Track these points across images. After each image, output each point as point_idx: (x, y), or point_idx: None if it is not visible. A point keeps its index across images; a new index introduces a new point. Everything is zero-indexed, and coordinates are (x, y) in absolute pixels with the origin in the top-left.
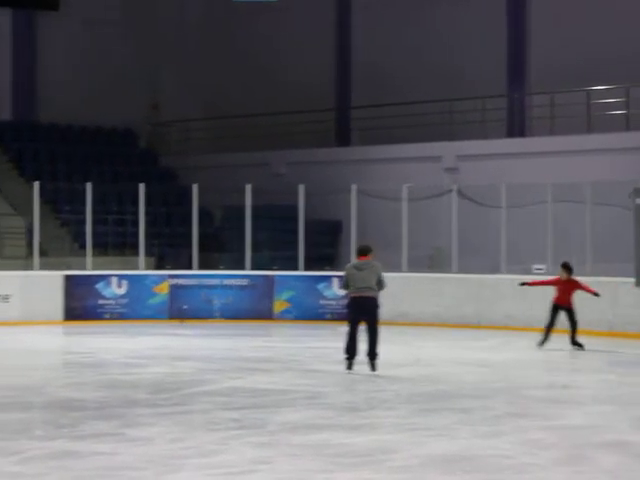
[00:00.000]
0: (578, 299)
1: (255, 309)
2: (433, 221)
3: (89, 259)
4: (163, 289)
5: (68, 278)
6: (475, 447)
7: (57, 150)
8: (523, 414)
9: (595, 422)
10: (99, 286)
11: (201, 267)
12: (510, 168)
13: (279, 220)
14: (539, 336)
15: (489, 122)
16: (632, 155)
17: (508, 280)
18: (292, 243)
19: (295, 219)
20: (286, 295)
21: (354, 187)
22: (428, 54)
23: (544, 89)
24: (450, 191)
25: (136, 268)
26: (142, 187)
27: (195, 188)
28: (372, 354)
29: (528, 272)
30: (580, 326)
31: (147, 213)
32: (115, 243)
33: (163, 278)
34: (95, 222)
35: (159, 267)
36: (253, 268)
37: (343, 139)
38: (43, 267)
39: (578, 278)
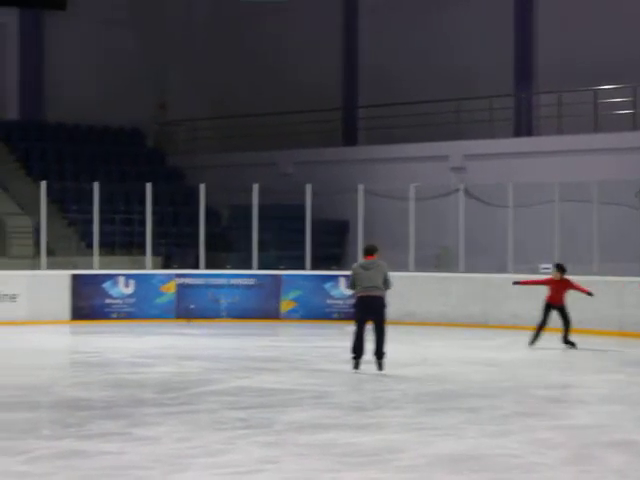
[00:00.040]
0: (584, 300)
1: (262, 308)
2: (440, 220)
3: (96, 258)
4: (170, 288)
5: (75, 277)
6: (483, 446)
7: (64, 150)
8: (531, 413)
9: (603, 422)
10: (106, 285)
11: (208, 267)
12: (517, 167)
13: (286, 220)
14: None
15: (496, 121)
16: (639, 154)
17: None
18: (299, 243)
19: (302, 219)
20: (293, 294)
21: (361, 187)
22: (435, 54)
23: (551, 88)
24: (457, 190)
25: (143, 267)
26: (149, 187)
27: (202, 188)
28: (379, 353)
29: (535, 271)
30: (588, 326)
31: (154, 213)
32: (122, 242)
33: (170, 277)
34: (102, 221)
35: (166, 266)
36: (260, 268)
37: (350, 139)
38: (50, 267)
39: (571, 277)
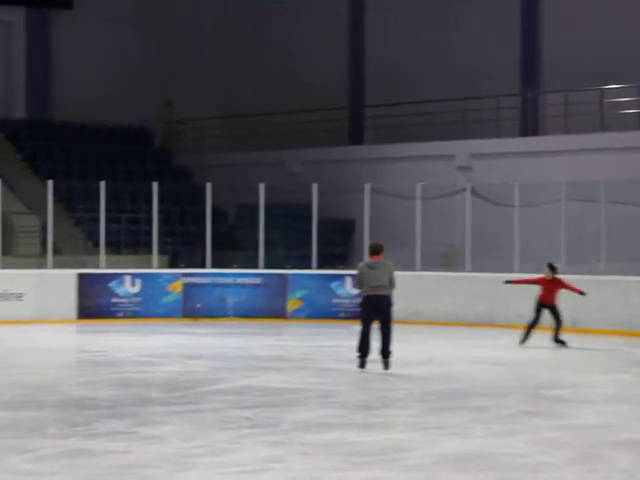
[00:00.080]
0: (591, 300)
1: (268, 308)
2: (447, 220)
3: (103, 257)
4: (176, 288)
5: (82, 276)
6: (489, 446)
7: (71, 149)
8: (537, 413)
9: (610, 421)
10: (113, 284)
11: (214, 266)
12: (524, 167)
13: (293, 219)
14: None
15: (503, 121)
16: None
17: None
18: (305, 242)
19: (309, 218)
20: (299, 294)
21: (367, 186)
22: (442, 53)
23: (558, 88)
24: (464, 190)
25: (149, 267)
26: (156, 186)
27: (209, 187)
28: (385, 352)
29: (541, 271)
30: (594, 326)
31: (161, 212)
32: (129, 242)
33: (176, 277)
34: (109, 221)
35: (172, 266)
36: (266, 267)
37: (357, 138)
38: (57, 265)
39: (562, 277)
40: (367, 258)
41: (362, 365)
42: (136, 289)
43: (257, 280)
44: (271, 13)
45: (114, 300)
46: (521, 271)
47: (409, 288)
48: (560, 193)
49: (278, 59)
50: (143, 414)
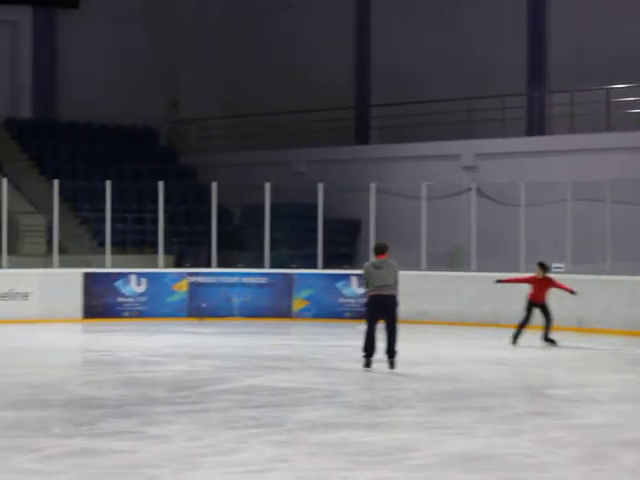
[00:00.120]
0: (596, 299)
1: (274, 307)
2: (452, 219)
3: (108, 257)
4: (182, 287)
5: (87, 276)
6: (495, 446)
7: (77, 148)
8: (543, 412)
9: (615, 421)
10: (118, 284)
11: (220, 265)
12: (529, 166)
13: (298, 218)
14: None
15: (509, 120)
16: None
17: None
18: (311, 241)
19: (314, 217)
20: (305, 293)
21: (373, 185)
22: (448, 53)
23: (564, 87)
24: (469, 189)
25: (155, 266)
26: (161, 185)
27: (214, 186)
28: (391, 352)
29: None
30: (600, 325)
31: (166, 211)
32: (134, 241)
33: (182, 276)
34: (114, 220)
35: (178, 265)
36: (272, 266)
37: (362, 137)
38: (63, 265)
39: (553, 276)
40: (372, 258)
41: (367, 365)
42: (142, 288)
43: (263, 280)
44: (275, 11)
45: (120, 299)
46: (527, 271)
47: (414, 288)
48: (566, 193)
49: (283, 58)
50: (149, 414)
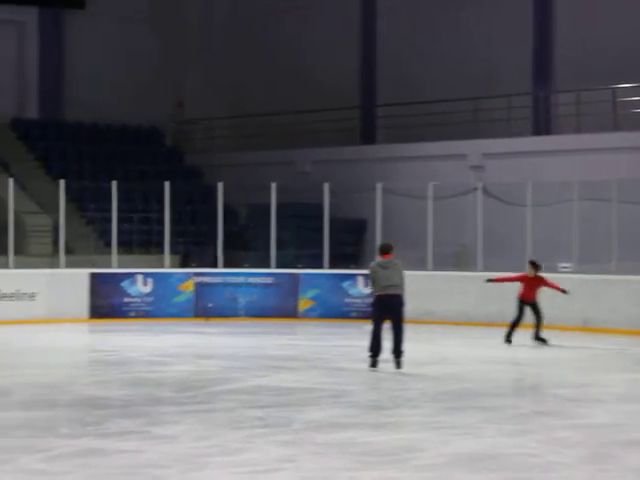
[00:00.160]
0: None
1: (280, 307)
2: (459, 219)
3: (115, 257)
4: (188, 287)
5: (94, 276)
6: (501, 446)
7: (83, 148)
8: (549, 412)
9: (621, 421)
10: (124, 284)
11: (226, 265)
12: (536, 166)
13: (304, 218)
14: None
15: (515, 120)
16: None
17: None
18: (317, 241)
19: (320, 217)
20: (311, 293)
21: (379, 185)
22: (453, 53)
23: (570, 87)
24: (476, 189)
25: (161, 266)
26: (167, 185)
27: (220, 186)
28: (397, 352)
29: (554, 270)
30: (605, 325)
31: (172, 211)
32: (140, 241)
33: (188, 276)
34: (120, 220)
35: (184, 265)
36: (278, 266)
37: (368, 137)
38: (69, 265)
39: (544, 275)
40: (377, 258)
41: (373, 365)
42: (148, 289)
43: (269, 280)
44: (281, 11)
45: (126, 300)
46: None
47: (421, 288)
48: (572, 192)
49: (289, 58)
50: (155, 414)
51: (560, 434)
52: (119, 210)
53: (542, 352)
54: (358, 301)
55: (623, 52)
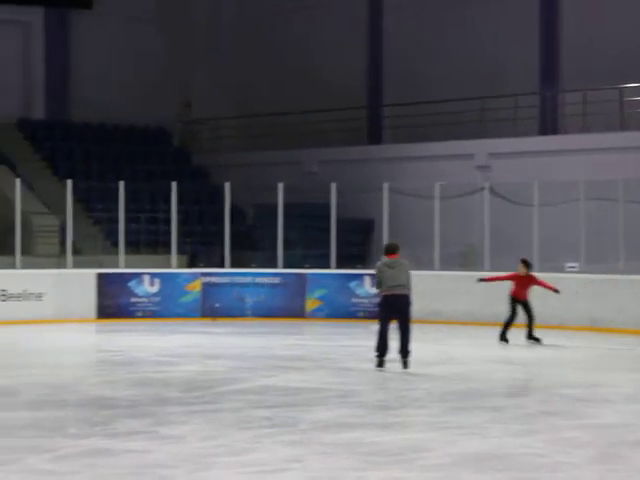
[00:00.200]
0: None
1: (287, 307)
2: (465, 219)
3: (122, 257)
4: (195, 287)
5: (101, 276)
6: (507, 446)
7: (90, 149)
8: (556, 412)
9: (629, 421)
10: (132, 284)
11: (233, 265)
12: (542, 166)
13: (311, 218)
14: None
15: (521, 120)
16: None
17: (541, 278)
18: (324, 241)
19: (327, 217)
20: (318, 293)
21: (386, 185)
22: (460, 52)
23: (577, 86)
24: (482, 189)
25: (168, 266)
26: (174, 185)
27: (227, 186)
28: (404, 352)
29: (560, 270)
30: (612, 325)
31: (179, 211)
32: (148, 241)
33: (195, 276)
34: (128, 220)
35: (191, 265)
36: (285, 266)
37: (375, 137)
38: (76, 265)
39: (536, 274)
40: (383, 258)
41: (380, 365)
42: (155, 289)
43: (276, 280)
44: (288, 11)
45: (133, 300)
46: (540, 270)
47: (428, 288)
48: (579, 192)
49: (296, 58)
50: (162, 414)
51: (567, 434)
52: (126, 210)
53: (549, 352)
54: (365, 301)
55: (630, 52)
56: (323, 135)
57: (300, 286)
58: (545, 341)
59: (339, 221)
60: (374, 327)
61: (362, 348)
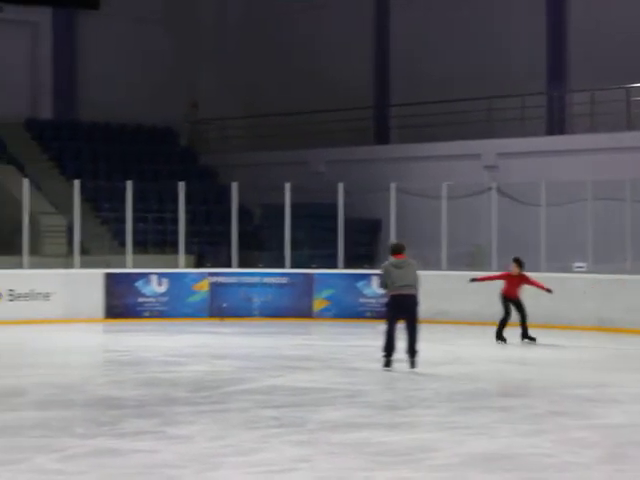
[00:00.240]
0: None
1: (295, 307)
2: (473, 219)
3: (129, 257)
4: (203, 287)
5: (108, 276)
6: (515, 446)
7: (97, 149)
8: (564, 412)
9: (637, 421)
10: (139, 284)
11: (241, 265)
12: (550, 165)
13: (318, 218)
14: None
15: (529, 120)
16: None
17: (548, 278)
18: (331, 241)
19: (334, 217)
20: (326, 293)
21: (393, 185)
22: (467, 52)
23: (584, 86)
24: (490, 189)
25: (176, 266)
26: (182, 185)
27: (235, 186)
28: (412, 352)
29: (568, 270)
30: (620, 325)
31: (187, 211)
32: (155, 241)
33: (203, 276)
34: (135, 220)
35: (199, 265)
36: (292, 266)
37: (382, 137)
38: (84, 265)
39: (529, 274)
40: (390, 258)
41: (387, 364)
42: (163, 289)
43: (283, 280)
44: (295, 12)
45: (141, 300)
46: (548, 270)
47: (435, 288)
48: (586, 192)
49: (302, 58)
50: (169, 414)
51: (576, 434)
52: (134, 210)
53: (556, 352)
54: (373, 301)
55: (637, 51)
56: (330, 135)
57: (307, 286)
58: (553, 341)
59: (346, 221)
60: (382, 327)
61: (370, 348)
